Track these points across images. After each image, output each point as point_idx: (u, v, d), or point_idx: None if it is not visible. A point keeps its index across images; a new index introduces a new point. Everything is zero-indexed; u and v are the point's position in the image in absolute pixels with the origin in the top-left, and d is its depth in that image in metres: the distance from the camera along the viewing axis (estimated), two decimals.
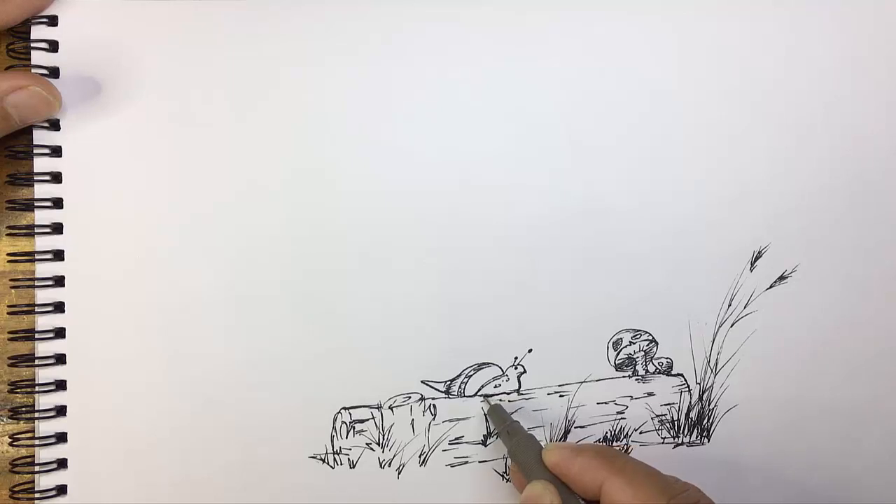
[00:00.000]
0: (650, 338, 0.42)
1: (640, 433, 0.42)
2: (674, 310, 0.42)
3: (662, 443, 0.42)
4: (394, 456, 0.40)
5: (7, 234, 0.37)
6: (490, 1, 0.40)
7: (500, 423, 0.39)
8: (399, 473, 0.40)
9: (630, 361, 0.42)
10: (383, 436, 0.40)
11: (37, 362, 0.37)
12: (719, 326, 0.42)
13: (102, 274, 0.37)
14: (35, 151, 0.37)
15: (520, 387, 0.41)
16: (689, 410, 0.42)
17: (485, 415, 0.41)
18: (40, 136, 0.37)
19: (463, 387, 0.40)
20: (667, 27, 0.41)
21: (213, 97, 0.38)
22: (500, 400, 0.41)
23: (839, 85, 0.42)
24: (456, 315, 0.40)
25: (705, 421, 0.42)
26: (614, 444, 0.42)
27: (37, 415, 0.37)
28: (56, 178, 0.37)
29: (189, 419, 0.38)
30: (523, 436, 0.38)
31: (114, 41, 0.37)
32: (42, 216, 0.37)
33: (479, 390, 0.41)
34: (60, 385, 0.37)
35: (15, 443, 0.37)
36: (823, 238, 0.42)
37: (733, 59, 0.41)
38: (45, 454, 0.37)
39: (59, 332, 0.37)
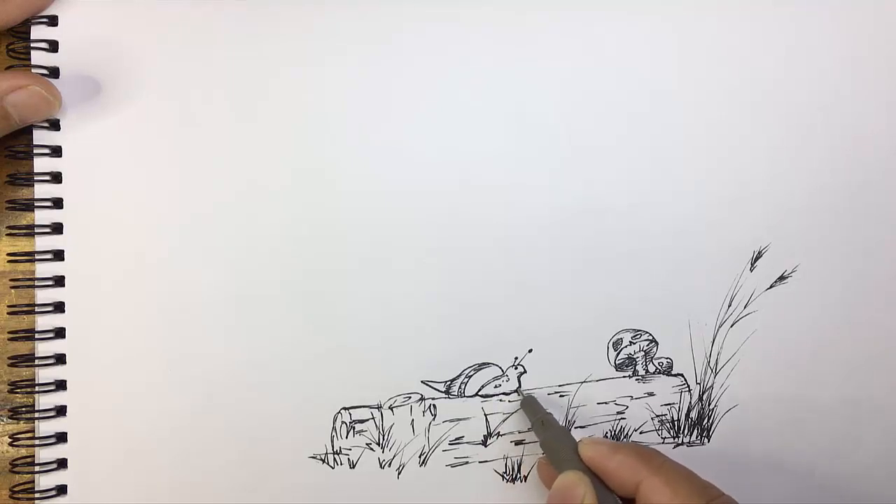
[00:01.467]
0: (650, 338, 0.42)
1: (641, 433, 0.42)
2: (674, 310, 0.42)
3: (662, 443, 0.42)
4: (394, 456, 0.40)
5: (7, 234, 0.37)
6: (490, 1, 0.40)
7: (534, 415, 0.39)
8: (399, 473, 0.40)
9: (630, 361, 0.42)
10: (383, 436, 0.40)
11: (37, 362, 0.37)
12: (719, 326, 0.42)
13: (102, 274, 0.37)
14: (35, 151, 0.37)
15: (520, 387, 0.41)
16: (689, 410, 0.42)
17: (485, 415, 0.41)
18: (40, 136, 0.37)
19: (463, 387, 0.40)
20: (667, 27, 0.41)
21: (213, 97, 0.38)
22: (501, 400, 0.41)
23: (839, 85, 0.42)
24: (456, 315, 0.40)
25: (705, 421, 0.42)
26: None
27: (37, 415, 0.37)
28: (56, 178, 0.37)
29: (189, 419, 0.38)
30: (557, 428, 0.38)
31: (114, 41, 0.37)
32: (42, 216, 0.37)
33: (480, 390, 0.41)
34: (60, 385, 0.37)
35: (15, 443, 0.37)
36: (823, 238, 0.42)
37: (733, 59, 0.41)
38: (45, 454, 0.37)
39: (59, 332, 0.37)
